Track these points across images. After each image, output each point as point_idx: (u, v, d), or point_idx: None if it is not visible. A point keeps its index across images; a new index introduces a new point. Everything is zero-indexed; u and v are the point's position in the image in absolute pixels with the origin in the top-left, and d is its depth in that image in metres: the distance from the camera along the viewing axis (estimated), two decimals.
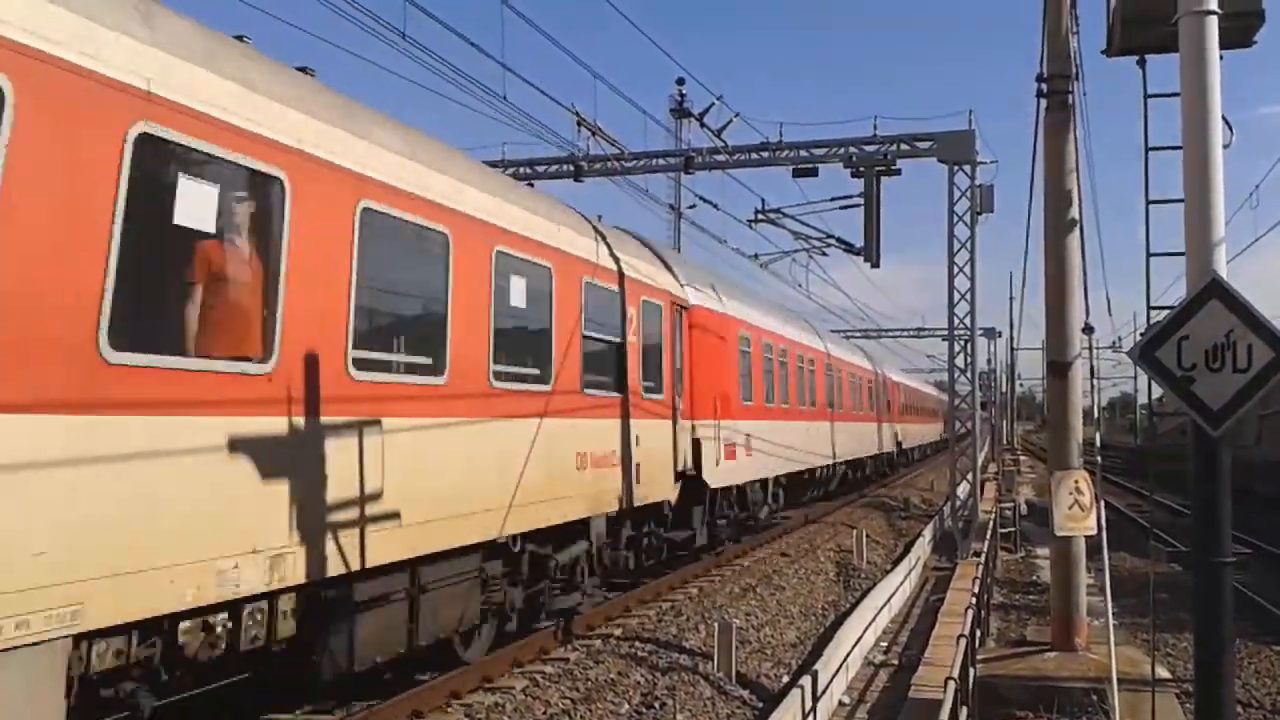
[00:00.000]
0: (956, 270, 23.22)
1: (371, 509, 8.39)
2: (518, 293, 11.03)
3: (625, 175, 24.75)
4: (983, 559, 17.36)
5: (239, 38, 8.01)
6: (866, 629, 13.11)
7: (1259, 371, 6.05)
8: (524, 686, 10.35)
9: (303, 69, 8.81)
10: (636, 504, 14.14)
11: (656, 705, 9.99)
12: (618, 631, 12.98)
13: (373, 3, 14.12)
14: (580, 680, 10.67)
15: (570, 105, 20.57)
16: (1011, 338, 68.56)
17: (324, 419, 7.86)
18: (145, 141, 6.32)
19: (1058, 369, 11.83)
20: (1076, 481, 10.23)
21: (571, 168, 24.47)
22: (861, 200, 23.24)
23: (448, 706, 9.70)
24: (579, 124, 21.17)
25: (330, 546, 7.89)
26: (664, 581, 16.32)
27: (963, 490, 25.12)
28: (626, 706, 10.02)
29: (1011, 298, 57.44)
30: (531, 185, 23.87)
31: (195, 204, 6.81)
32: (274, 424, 7.36)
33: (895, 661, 12.74)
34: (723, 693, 10.70)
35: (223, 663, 7.44)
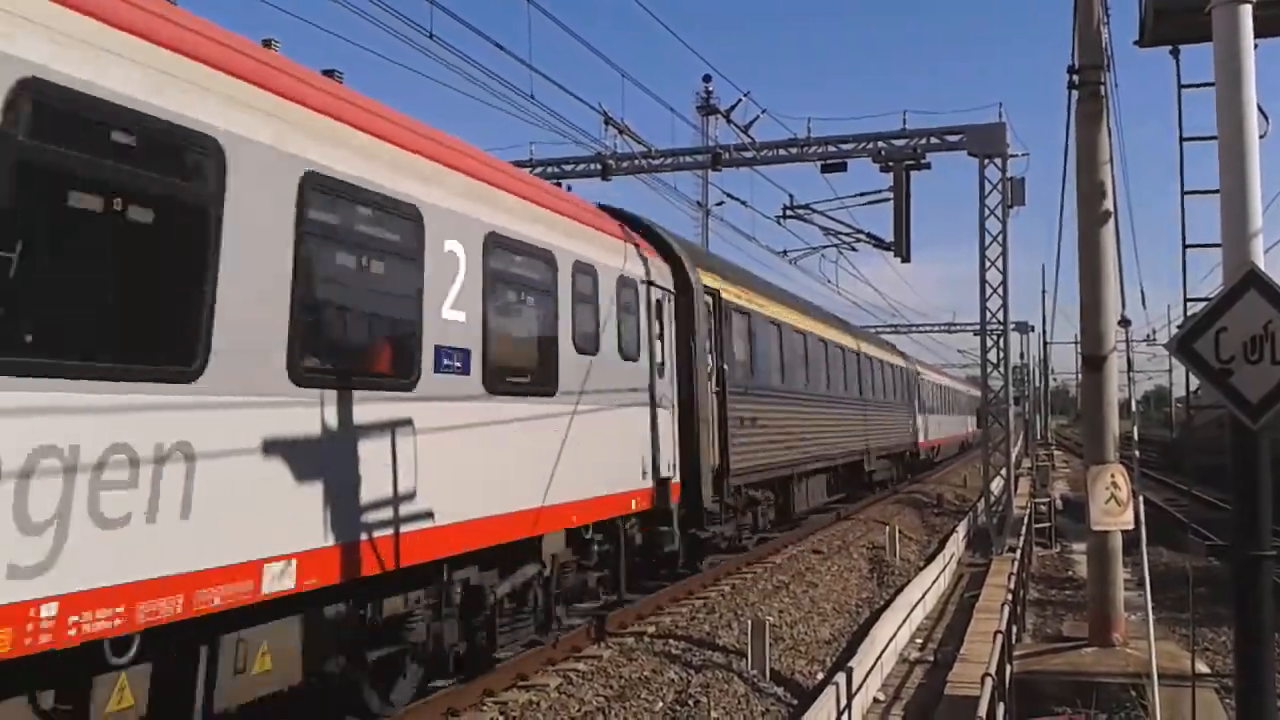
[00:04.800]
0: (988, 264, 23.07)
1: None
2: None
3: (653, 173, 24.77)
4: (1018, 555, 17.25)
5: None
6: (901, 626, 13.06)
7: None
8: (558, 684, 10.38)
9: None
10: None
11: (690, 703, 10.00)
12: (650, 629, 12.99)
13: (399, 5, 14.13)
14: (614, 678, 10.68)
15: (597, 104, 20.63)
16: (1044, 331, 67.93)
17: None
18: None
19: (1092, 362, 11.72)
20: (1113, 476, 10.14)
21: (599, 166, 24.50)
22: (891, 195, 23.14)
23: (482, 704, 9.75)
24: (606, 122, 21.23)
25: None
26: (696, 579, 16.31)
27: (996, 486, 24.97)
28: (660, 704, 10.03)
29: (1044, 291, 57.08)
30: (559, 184, 23.97)
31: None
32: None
33: (930, 658, 12.68)
34: (757, 690, 10.69)
35: None
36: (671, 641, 12.31)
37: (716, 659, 11.57)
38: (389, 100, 9.46)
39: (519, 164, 23.32)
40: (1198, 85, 7.98)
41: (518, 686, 10.37)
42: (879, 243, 25.89)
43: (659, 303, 14.27)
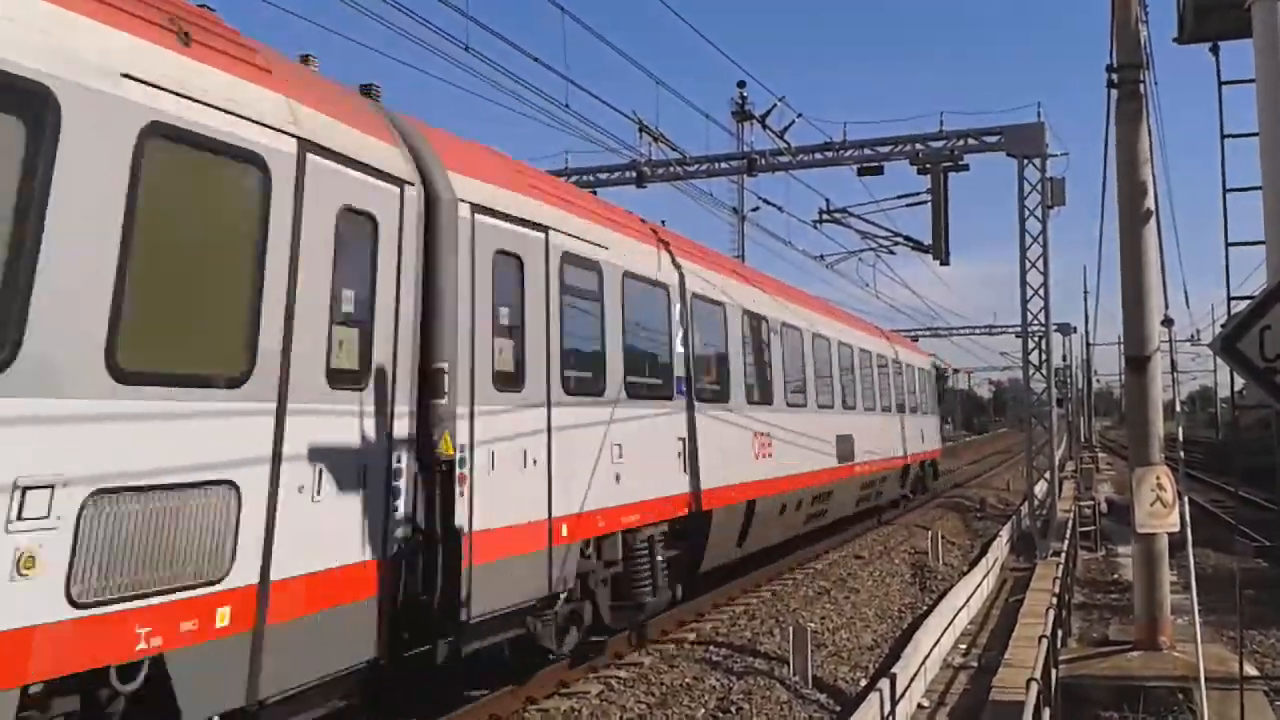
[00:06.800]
0: (1029, 265, 22.89)
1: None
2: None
3: (688, 180, 24.78)
4: (1063, 558, 17.08)
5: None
6: (945, 631, 12.96)
7: None
8: (599, 691, 10.41)
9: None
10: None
11: (733, 709, 9.99)
12: (691, 636, 12.99)
13: (436, 18, 14.30)
14: (655, 685, 10.70)
15: (632, 112, 20.60)
16: (1087, 332, 67.30)
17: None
18: None
19: (1136, 363, 11.61)
20: (1158, 477, 10.04)
21: (634, 174, 24.56)
22: (929, 197, 23.01)
23: (524, 711, 9.80)
24: (641, 130, 21.21)
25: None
26: (736, 585, 16.30)
27: (1040, 489, 24.73)
28: (703, 711, 10.03)
29: (1086, 292, 56.69)
30: (595, 192, 24.08)
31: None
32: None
33: (975, 663, 12.57)
34: (799, 696, 10.66)
35: None
36: (713, 648, 12.30)
37: (758, 665, 11.55)
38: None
39: (556, 173, 23.46)
40: (1238, 82, 7.88)
41: (560, 694, 10.41)
42: (917, 245, 25.76)
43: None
